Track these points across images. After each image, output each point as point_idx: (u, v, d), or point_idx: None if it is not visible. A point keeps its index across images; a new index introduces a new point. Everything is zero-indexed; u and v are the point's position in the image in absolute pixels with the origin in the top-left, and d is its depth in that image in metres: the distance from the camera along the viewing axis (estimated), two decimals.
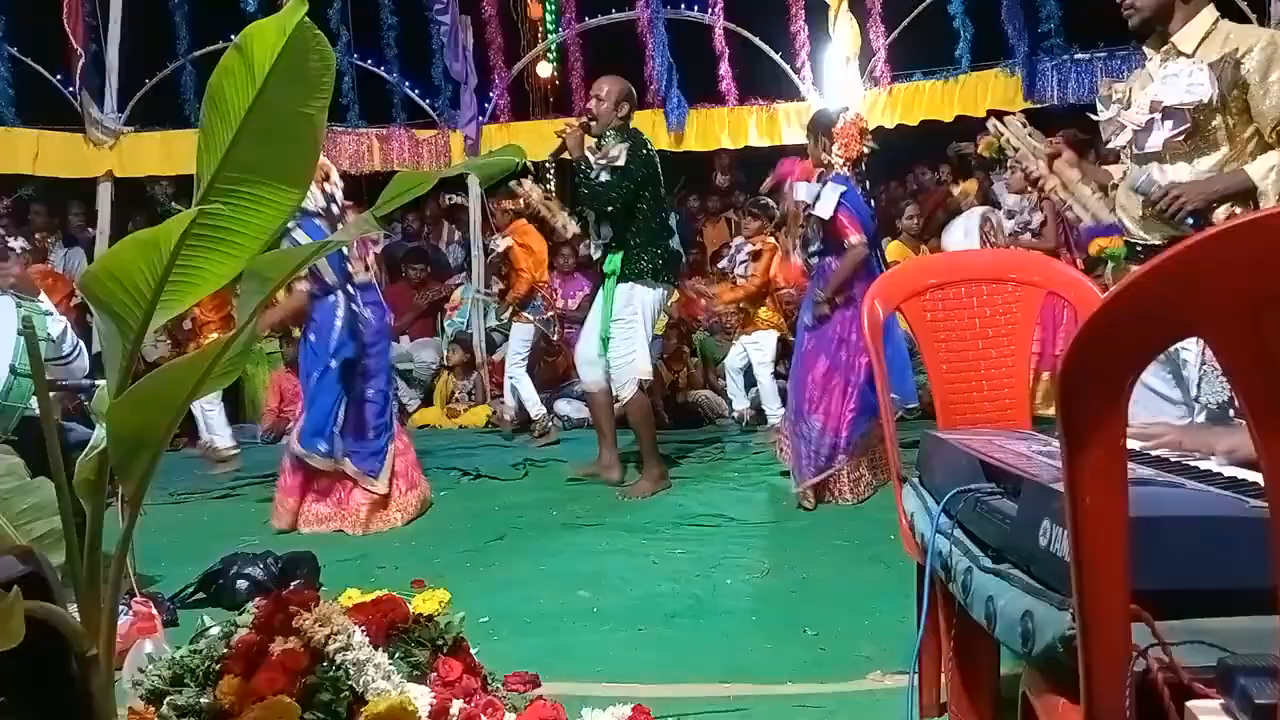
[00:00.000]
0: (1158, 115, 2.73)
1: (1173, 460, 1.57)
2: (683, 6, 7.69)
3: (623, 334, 4.85)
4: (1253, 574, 0.95)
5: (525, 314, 6.79)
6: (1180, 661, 1.00)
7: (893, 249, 6.79)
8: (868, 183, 4.81)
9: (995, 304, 2.38)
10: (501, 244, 6.78)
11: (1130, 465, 1.03)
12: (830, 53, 7.47)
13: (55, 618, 1.41)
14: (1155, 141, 2.75)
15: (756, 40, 7.67)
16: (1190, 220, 2.59)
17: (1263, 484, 0.89)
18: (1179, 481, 1.33)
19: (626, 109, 4.94)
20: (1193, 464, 1.52)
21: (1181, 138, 2.70)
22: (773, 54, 7.66)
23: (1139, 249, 2.79)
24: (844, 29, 7.29)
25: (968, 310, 2.38)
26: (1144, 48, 2.87)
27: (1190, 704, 0.97)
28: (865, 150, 4.64)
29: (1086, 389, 0.93)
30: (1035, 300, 2.39)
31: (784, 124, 7.59)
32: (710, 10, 7.62)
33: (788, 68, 7.62)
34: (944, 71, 7.33)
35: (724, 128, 7.79)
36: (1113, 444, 0.95)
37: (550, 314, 6.94)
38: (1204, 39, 2.71)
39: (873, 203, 4.88)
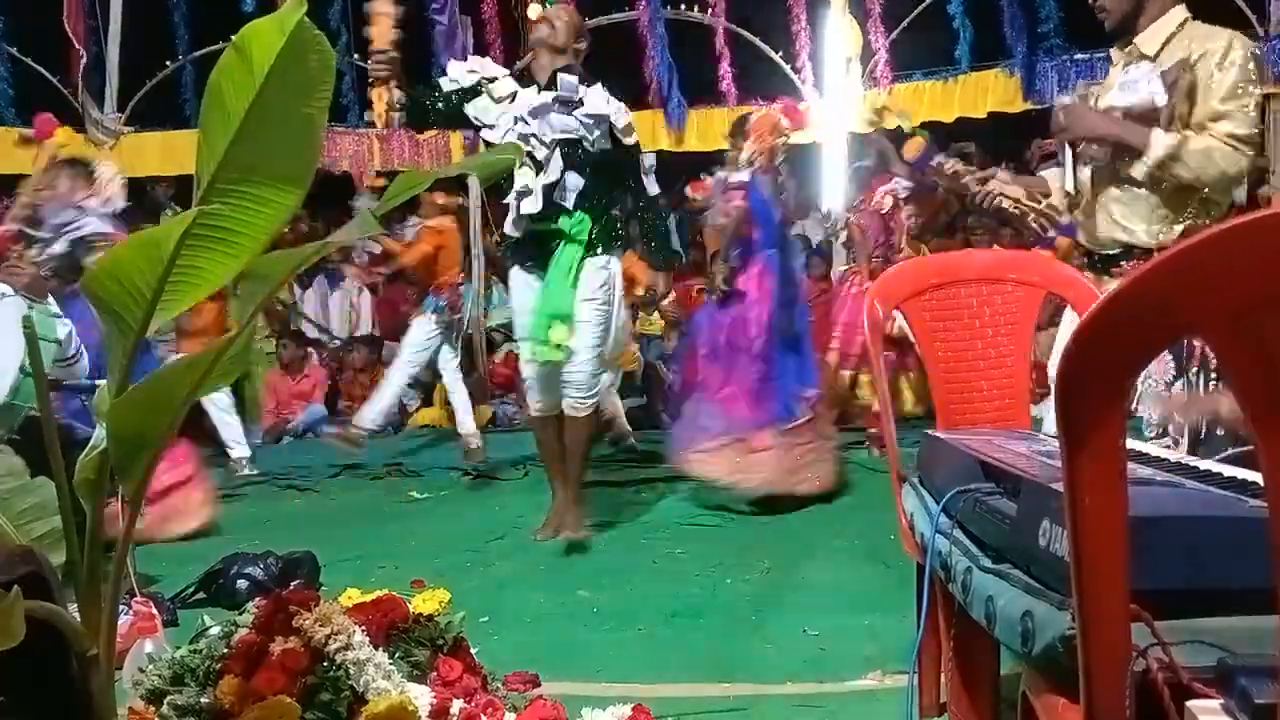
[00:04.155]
0: None
1: (1173, 460, 1.57)
2: (683, 6, 7.69)
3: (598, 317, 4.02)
4: (1253, 574, 0.95)
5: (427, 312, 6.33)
6: (1180, 661, 1.00)
7: None
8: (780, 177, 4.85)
9: (995, 304, 2.38)
10: (411, 231, 6.75)
11: (1130, 465, 1.03)
12: (830, 53, 7.48)
13: (55, 617, 1.41)
14: (1097, 149, 2.67)
15: (757, 40, 7.67)
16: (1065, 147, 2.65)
17: (1262, 484, 0.89)
18: (1178, 481, 1.33)
19: (584, 43, 3.99)
20: (1193, 464, 1.52)
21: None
22: (773, 54, 7.66)
23: (1095, 259, 2.72)
24: (844, 29, 7.30)
25: (967, 310, 2.38)
26: (1111, 50, 2.76)
27: (1190, 704, 0.98)
28: (779, 143, 4.71)
29: (1086, 389, 0.93)
30: (1035, 300, 2.39)
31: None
32: (710, 10, 7.63)
33: (788, 68, 7.62)
34: (944, 72, 7.34)
35: (724, 128, 7.76)
36: (1112, 444, 0.95)
37: (456, 317, 6.50)
38: (1168, 41, 2.57)
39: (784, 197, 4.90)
